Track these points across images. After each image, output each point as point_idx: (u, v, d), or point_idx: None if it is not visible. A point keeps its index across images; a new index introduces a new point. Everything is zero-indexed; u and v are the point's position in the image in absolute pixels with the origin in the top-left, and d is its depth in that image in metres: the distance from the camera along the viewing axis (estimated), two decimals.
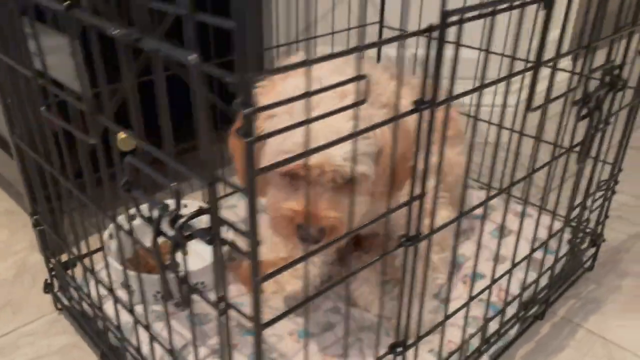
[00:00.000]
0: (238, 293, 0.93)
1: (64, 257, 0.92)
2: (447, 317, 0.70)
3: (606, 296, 1.07)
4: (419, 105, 0.51)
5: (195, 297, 0.85)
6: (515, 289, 0.92)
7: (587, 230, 1.07)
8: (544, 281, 0.97)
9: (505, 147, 1.07)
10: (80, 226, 0.82)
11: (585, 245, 1.08)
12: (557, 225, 0.91)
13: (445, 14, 0.48)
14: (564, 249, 0.99)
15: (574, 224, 0.99)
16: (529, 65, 0.62)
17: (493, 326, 0.88)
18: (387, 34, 1.29)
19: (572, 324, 1.01)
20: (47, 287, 0.96)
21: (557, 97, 0.71)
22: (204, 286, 0.91)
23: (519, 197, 1.11)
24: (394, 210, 0.57)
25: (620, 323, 1.01)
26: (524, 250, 0.89)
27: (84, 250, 0.84)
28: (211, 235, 0.47)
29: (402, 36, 0.47)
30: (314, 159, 0.65)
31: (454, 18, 0.49)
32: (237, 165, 0.79)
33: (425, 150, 0.55)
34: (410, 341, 0.65)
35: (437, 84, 0.51)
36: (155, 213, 0.53)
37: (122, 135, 1.22)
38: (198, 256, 1.02)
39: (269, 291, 0.97)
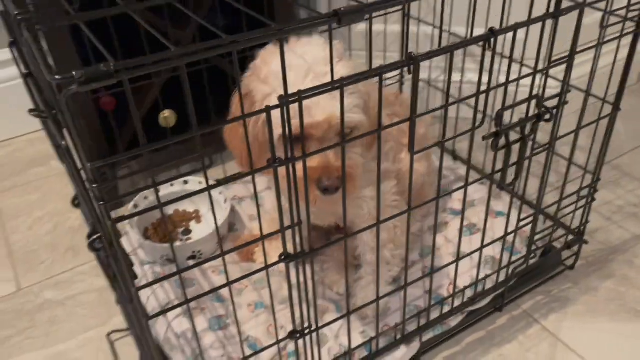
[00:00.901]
0: (231, 261, 1.13)
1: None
2: (350, 311, 0.84)
3: (577, 297, 1.12)
4: (273, 164, 0.64)
5: (190, 262, 1.06)
6: (466, 284, 1.02)
7: (561, 231, 1.11)
8: (501, 276, 1.05)
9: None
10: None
11: (562, 246, 1.12)
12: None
13: (284, 96, 0.60)
14: (522, 249, 1.06)
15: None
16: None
17: (435, 314, 1.00)
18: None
19: (529, 319, 1.08)
20: None
21: (459, 135, 0.78)
22: (200, 254, 1.12)
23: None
24: (274, 233, 0.71)
25: (578, 325, 1.06)
26: (489, 248, 0.98)
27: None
28: (106, 255, 0.65)
29: (244, 116, 0.60)
30: (321, 116, 0.74)
31: (294, 98, 0.60)
32: (235, 153, 0.86)
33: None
34: (311, 329, 0.81)
35: (289, 144, 0.64)
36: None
37: (165, 113, 1.45)
38: (208, 225, 1.23)
39: (258, 262, 1.15)
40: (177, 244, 1.16)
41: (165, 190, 1.22)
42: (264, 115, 0.76)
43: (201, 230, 1.20)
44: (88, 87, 0.49)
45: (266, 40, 0.56)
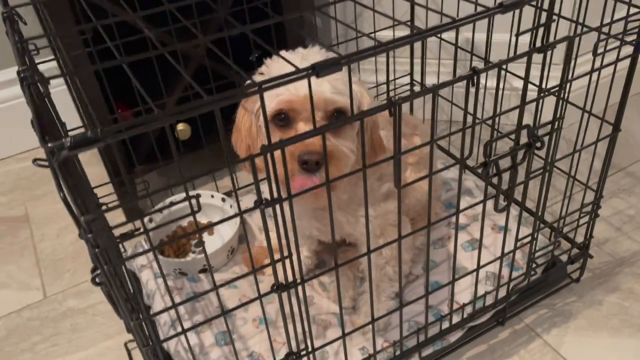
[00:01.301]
0: (240, 272, 1.17)
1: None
2: (346, 333, 0.87)
3: (580, 310, 1.12)
4: (260, 205, 0.67)
5: (204, 276, 1.11)
6: (466, 300, 1.04)
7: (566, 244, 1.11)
8: (502, 292, 1.06)
9: None
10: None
11: (566, 261, 1.13)
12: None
13: (267, 146, 0.63)
14: (524, 264, 1.07)
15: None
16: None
17: (434, 331, 1.02)
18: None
19: (531, 334, 1.10)
20: None
21: (446, 167, 0.80)
22: (211, 267, 1.17)
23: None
24: (266, 266, 0.75)
25: (580, 339, 1.07)
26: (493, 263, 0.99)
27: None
28: (107, 290, 0.70)
29: (229, 164, 0.63)
30: (306, 91, 0.70)
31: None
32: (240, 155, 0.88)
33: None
34: (307, 350, 0.85)
35: (275, 190, 0.67)
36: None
37: (180, 126, 1.50)
38: (220, 237, 1.28)
39: (267, 273, 1.20)
40: (189, 258, 1.21)
41: (179, 204, 1.26)
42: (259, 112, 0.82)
43: (213, 243, 1.25)
44: (77, 152, 0.53)
45: (246, 97, 0.59)
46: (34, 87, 0.67)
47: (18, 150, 1.76)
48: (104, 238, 0.61)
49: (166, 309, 0.71)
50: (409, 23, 1.35)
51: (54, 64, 1.10)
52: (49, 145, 0.53)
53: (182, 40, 1.31)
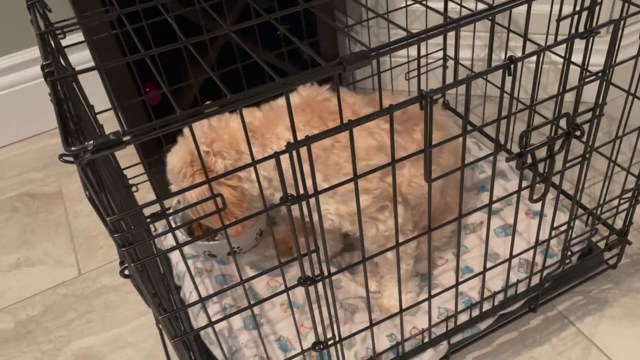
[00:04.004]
0: (270, 255, 1.17)
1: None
2: (373, 323, 0.87)
3: (617, 298, 1.09)
4: (285, 202, 0.66)
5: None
6: (497, 287, 1.02)
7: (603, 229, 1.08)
8: (535, 279, 1.04)
9: None
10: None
11: (603, 247, 1.09)
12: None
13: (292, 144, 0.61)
14: (559, 251, 1.04)
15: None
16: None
17: (463, 318, 1.01)
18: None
19: (564, 321, 1.07)
20: None
21: (467, 164, 0.77)
22: (240, 249, 1.17)
23: None
24: (291, 261, 0.74)
25: (615, 329, 1.04)
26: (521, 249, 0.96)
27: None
28: (135, 282, 0.70)
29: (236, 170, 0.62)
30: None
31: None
32: None
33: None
34: (335, 340, 0.85)
35: (300, 183, 0.65)
36: None
37: (208, 103, 1.49)
38: None
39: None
40: (218, 240, 1.21)
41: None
42: None
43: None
44: (100, 154, 0.53)
45: (272, 94, 0.57)
46: (59, 82, 0.66)
47: (52, 126, 1.78)
48: (133, 234, 0.61)
49: (195, 302, 0.71)
50: None
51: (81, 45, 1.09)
52: (73, 149, 0.52)
53: (208, 17, 1.29)
